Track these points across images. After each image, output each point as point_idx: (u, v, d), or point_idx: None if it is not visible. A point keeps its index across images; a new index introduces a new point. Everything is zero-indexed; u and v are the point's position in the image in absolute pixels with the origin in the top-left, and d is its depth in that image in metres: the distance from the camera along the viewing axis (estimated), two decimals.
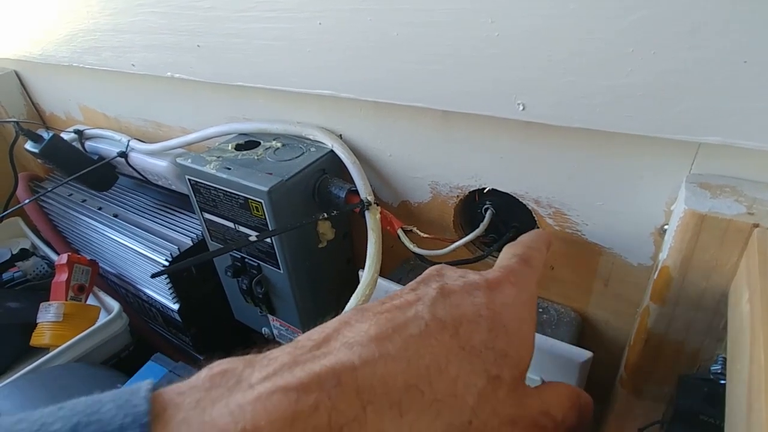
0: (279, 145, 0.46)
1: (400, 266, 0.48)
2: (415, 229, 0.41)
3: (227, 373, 0.17)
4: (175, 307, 0.59)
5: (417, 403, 0.18)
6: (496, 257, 0.43)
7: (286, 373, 0.17)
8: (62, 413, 0.14)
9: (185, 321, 0.60)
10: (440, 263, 0.26)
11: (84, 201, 0.68)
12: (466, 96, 0.32)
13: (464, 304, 0.21)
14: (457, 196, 0.41)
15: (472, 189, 0.40)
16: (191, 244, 0.56)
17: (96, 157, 0.64)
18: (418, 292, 0.22)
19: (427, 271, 0.24)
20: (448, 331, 0.20)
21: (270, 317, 0.52)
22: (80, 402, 0.15)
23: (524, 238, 0.29)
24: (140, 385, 0.16)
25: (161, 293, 0.61)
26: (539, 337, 0.35)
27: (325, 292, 0.50)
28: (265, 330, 0.55)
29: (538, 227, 0.38)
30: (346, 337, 0.19)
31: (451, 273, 0.24)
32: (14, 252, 0.72)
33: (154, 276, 0.32)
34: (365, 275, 0.39)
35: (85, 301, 0.62)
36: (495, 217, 0.41)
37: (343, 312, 0.21)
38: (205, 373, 0.17)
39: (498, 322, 0.21)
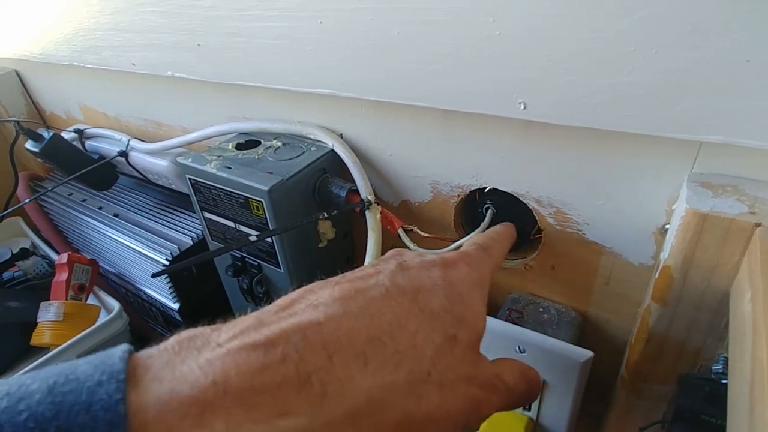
0: (279, 144, 0.46)
1: None
2: (415, 228, 0.41)
3: (195, 337, 0.18)
4: (176, 306, 0.59)
5: (380, 353, 0.19)
6: None
7: (253, 332, 0.18)
8: (40, 375, 0.15)
9: (186, 320, 0.60)
10: None
11: (84, 200, 0.68)
12: (467, 95, 0.32)
13: (421, 276, 0.23)
14: (458, 195, 0.41)
15: (472, 188, 0.40)
16: (191, 243, 0.56)
17: (96, 157, 0.64)
18: (378, 267, 0.23)
19: (387, 253, 0.26)
20: (407, 297, 0.21)
21: None
22: (56, 366, 0.15)
23: (490, 230, 0.32)
24: (114, 350, 0.16)
25: (162, 293, 0.61)
26: (540, 337, 0.35)
27: None
28: None
29: (539, 227, 0.38)
30: (310, 300, 0.20)
31: (409, 253, 0.25)
32: (14, 251, 0.72)
33: (154, 276, 0.32)
34: None
35: (86, 300, 0.62)
36: (496, 217, 0.41)
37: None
38: (173, 339, 0.18)
39: (454, 291, 0.23)
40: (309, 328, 0.18)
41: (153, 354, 0.17)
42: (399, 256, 0.25)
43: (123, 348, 0.16)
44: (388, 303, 0.20)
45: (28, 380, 0.15)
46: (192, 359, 0.16)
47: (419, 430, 0.19)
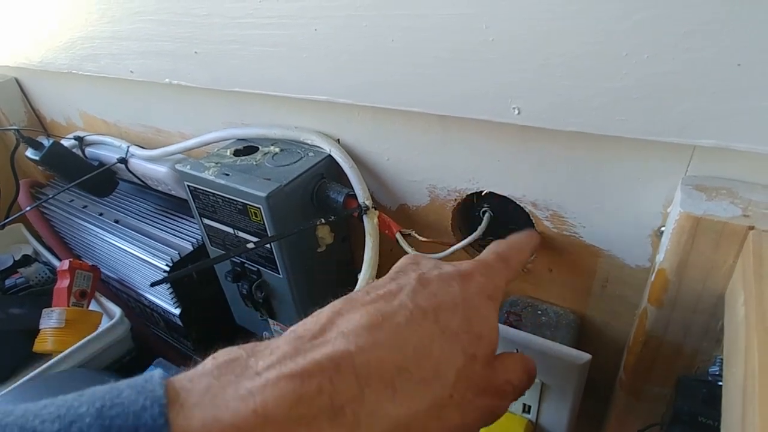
0: (277, 150, 0.46)
1: None
2: (413, 232, 0.41)
3: (233, 362, 0.19)
4: (177, 311, 0.59)
5: (407, 382, 0.20)
6: None
7: (289, 362, 0.19)
8: (84, 398, 0.16)
9: (187, 325, 0.60)
10: None
11: (85, 207, 0.69)
12: (462, 100, 0.32)
13: (441, 293, 0.24)
14: (455, 199, 0.41)
15: (470, 192, 0.40)
16: (191, 249, 0.57)
17: (96, 164, 0.64)
18: (399, 282, 0.24)
19: (402, 260, 0.26)
20: (429, 318, 0.22)
21: (270, 321, 0.53)
22: (99, 389, 0.16)
23: (512, 237, 0.32)
24: (152, 374, 0.17)
25: (163, 298, 0.61)
26: (539, 340, 0.35)
27: (325, 296, 0.50)
28: (265, 334, 0.55)
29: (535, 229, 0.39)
30: (341, 327, 0.21)
31: (425, 262, 0.26)
32: (17, 258, 0.73)
33: (153, 285, 0.32)
34: (360, 282, 0.39)
35: (87, 306, 0.63)
36: (493, 220, 0.41)
37: (332, 303, 0.24)
38: (210, 362, 0.19)
39: (472, 308, 0.24)
40: (342, 360, 0.19)
41: (193, 378, 0.18)
42: (416, 266, 0.25)
43: (160, 374, 0.17)
44: (412, 328, 0.22)
45: (75, 402, 0.16)
46: (232, 387, 0.17)
47: None
